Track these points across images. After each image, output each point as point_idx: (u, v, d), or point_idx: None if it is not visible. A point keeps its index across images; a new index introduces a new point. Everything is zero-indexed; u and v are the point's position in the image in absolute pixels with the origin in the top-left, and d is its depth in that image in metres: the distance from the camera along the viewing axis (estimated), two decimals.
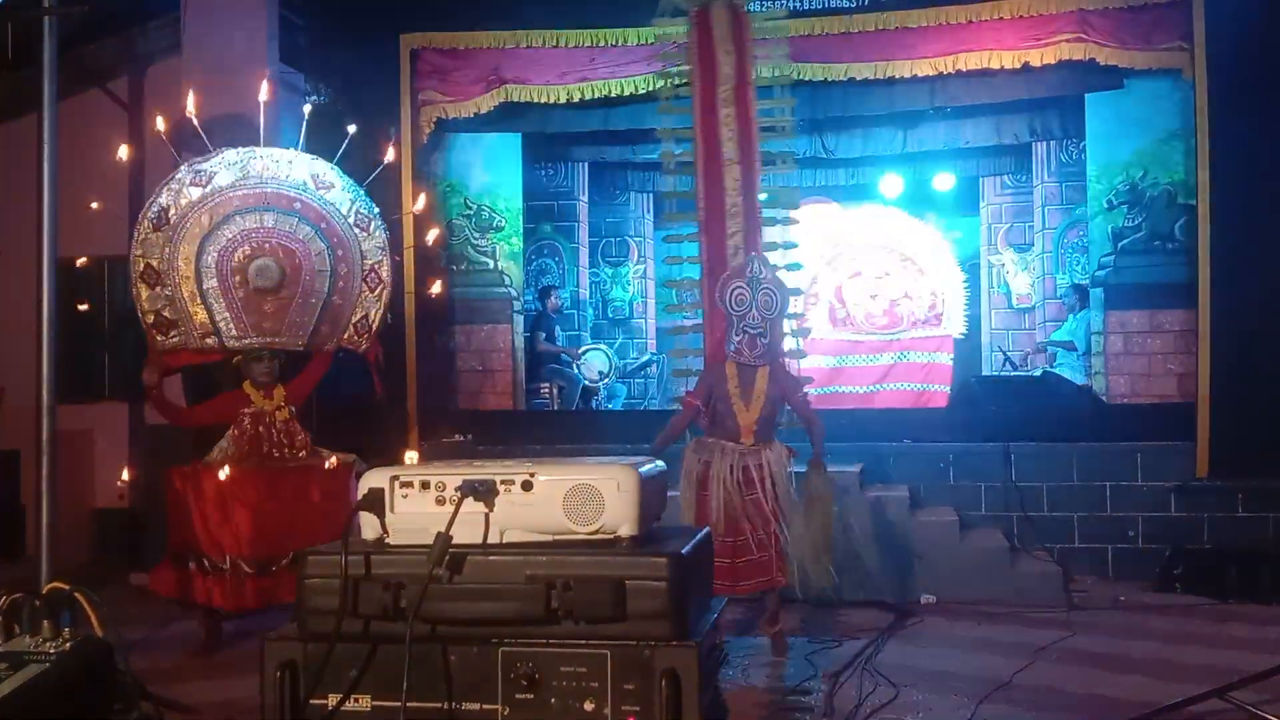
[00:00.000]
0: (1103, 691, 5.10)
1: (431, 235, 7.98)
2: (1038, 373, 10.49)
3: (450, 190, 10.47)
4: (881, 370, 11.65)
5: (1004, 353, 11.59)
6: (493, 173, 10.75)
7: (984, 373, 11.60)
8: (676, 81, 6.84)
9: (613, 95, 9.15)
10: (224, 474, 6.00)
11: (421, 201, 7.55)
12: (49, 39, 5.54)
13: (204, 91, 7.55)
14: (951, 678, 5.37)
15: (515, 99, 9.25)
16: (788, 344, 6.46)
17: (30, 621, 2.53)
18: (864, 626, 6.46)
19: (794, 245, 6.73)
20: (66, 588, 2.64)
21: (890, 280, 12.03)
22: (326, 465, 6.28)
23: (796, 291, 6.53)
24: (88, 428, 9.13)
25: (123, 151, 6.65)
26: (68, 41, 6.11)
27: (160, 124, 6.50)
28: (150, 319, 6.31)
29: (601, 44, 9.02)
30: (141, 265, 6.27)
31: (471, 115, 9.35)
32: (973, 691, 5.03)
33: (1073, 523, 8.05)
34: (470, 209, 10.61)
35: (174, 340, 6.34)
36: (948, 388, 11.25)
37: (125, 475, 6.80)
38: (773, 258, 6.46)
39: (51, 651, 2.42)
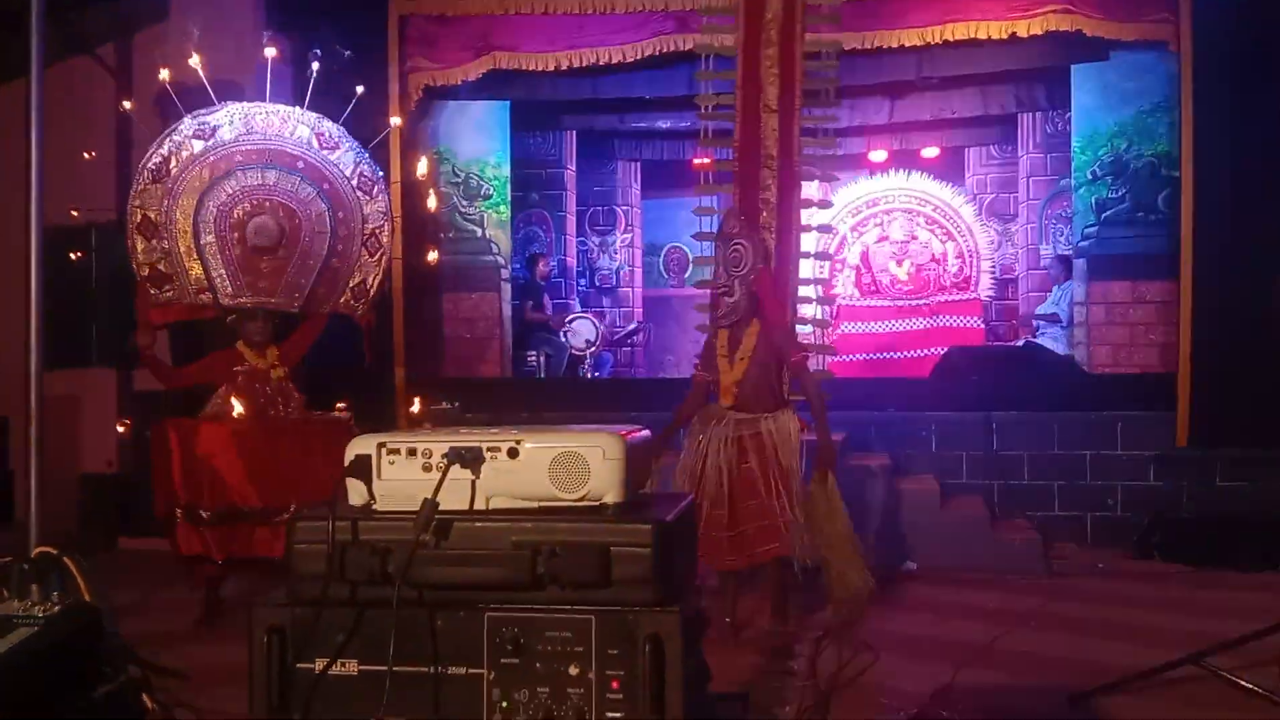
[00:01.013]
0: (1081, 656, 5.17)
1: (432, 202, 7.99)
2: (1020, 343, 10.56)
3: (438, 158, 10.45)
4: (915, 336, 11.68)
5: (987, 323, 11.66)
6: (481, 140, 10.74)
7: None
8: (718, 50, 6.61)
9: (601, 63, 9.13)
10: (238, 411, 6.00)
11: (424, 166, 7.56)
12: (36, 4, 5.50)
13: (190, 56, 7.54)
14: (932, 643, 5.43)
15: (504, 67, 9.22)
16: (810, 311, 6.40)
17: (19, 586, 2.56)
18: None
19: (829, 204, 6.58)
20: (55, 552, 2.67)
21: (917, 244, 12.06)
22: (324, 419, 6.27)
23: (824, 256, 6.40)
24: (76, 393, 9.13)
25: (126, 104, 6.75)
26: (55, 7, 6.07)
27: (165, 74, 6.48)
28: (145, 271, 6.27)
29: (590, 11, 8.97)
30: (139, 216, 6.23)
31: (459, 83, 9.32)
32: (953, 657, 5.09)
33: (1053, 491, 8.14)
34: (458, 176, 10.61)
35: (168, 294, 6.31)
36: None
37: (120, 428, 6.79)
38: (805, 216, 6.41)
39: (40, 615, 2.44)
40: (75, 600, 2.57)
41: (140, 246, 6.25)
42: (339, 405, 6.39)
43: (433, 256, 7.80)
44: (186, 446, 5.97)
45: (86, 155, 6.55)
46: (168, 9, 8.78)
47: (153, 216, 6.26)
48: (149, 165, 6.27)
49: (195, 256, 6.32)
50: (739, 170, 6.33)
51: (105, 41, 9.56)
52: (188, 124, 6.33)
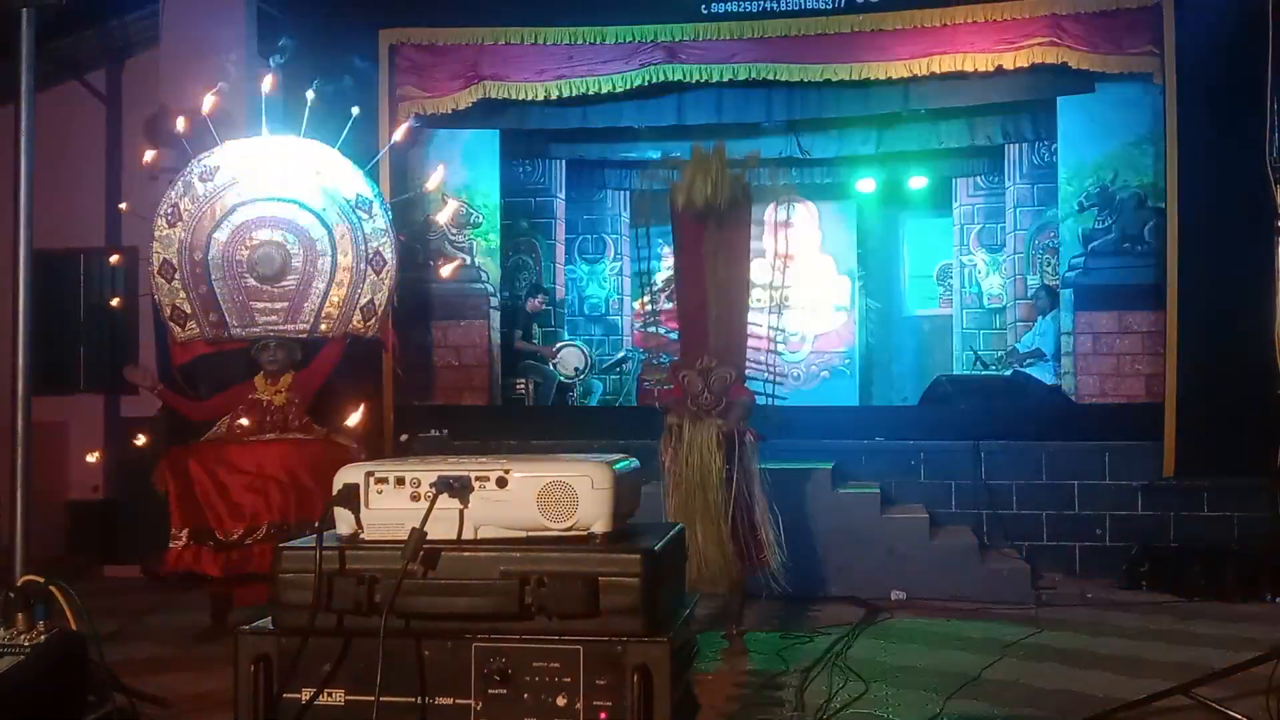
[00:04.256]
0: (1069, 687, 5.15)
1: (446, 213, 8.21)
2: (1008, 372, 10.58)
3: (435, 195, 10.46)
4: None
5: (975, 352, 11.68)
6: (470, 169, 10.74)
7: (955, 372, 11.69)
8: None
9: (590, 93, 9.17)
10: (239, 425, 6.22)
11: (440, 173, 7.87)
12: (27, 30, 5.52)
13: (181, 84, 7.64)
14: (920, 673, 5.42)
15: (493, 96, 9.24)
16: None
17: (5, 614, 2.55)
18: (835, 622, 6.51)
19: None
20: (41, 580, 2.66)
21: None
22: (323, 439, 6.42)
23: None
24: (62, 420, 9.10)
25: (149, 155, 7.11)
26: (45, 33, 6.10)
27: (181, 124, 6.83)
28: (168, 311, 6.70)
29: (579, 41, 9.03)
30: (158, 260, 6.66)
31: (449, 111, 9.33)
32: (941, 687, 5.07)
33: (1041, 520, 8.14)
34: (448, 198, 10.59)
35: (190, 331, 6.70)
36: None
37: (92, 457, 6.95)
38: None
39: (26, 644, 2.44)
40: (61, 628, 2.56)
41: (163, 288, 6.68)
42: (347, 425, 6.45)
43: (446, 271, 8.07)
44: (195, 474, 6.13)
45: (121, 208, 7.08)
46: (158, 36, 8.82)
47: (171, 259, 6.65)
48: (163, 211, 6.67)
49: (209, 293, 6.70)
50: None
51: (96, 67, 9.59)
52: (193, 167, 6.69)
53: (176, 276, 6.67)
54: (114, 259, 7.38)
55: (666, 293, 7.27)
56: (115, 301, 8.06)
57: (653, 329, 9.50)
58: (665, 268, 9.65)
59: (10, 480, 5.41)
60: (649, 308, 7.04)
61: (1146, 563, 7.65)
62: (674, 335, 8.85)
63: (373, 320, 6.80)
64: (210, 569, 6.03)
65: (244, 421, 6.33)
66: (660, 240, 7.22)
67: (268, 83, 7.07)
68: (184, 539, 6.06)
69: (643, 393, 11.19)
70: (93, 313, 9.53)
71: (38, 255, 5.14)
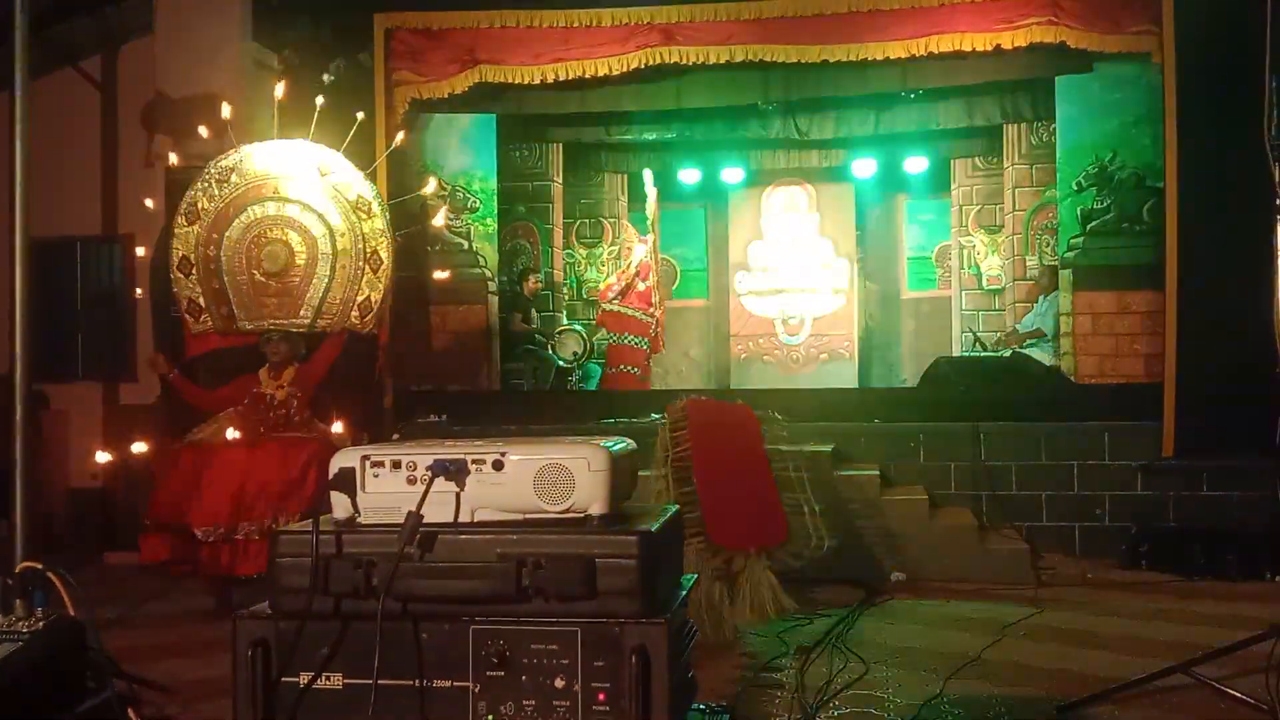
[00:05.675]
0: (1070, 666, 5.16)
1: (440, 217, 8.41)
2: (1007, 353, 10.57)
3: (425, 171, 10.44)
4: None
5: (974, 333, 11.67)
6: (468, 154, 10.73)
7: (954, 353, 11.68)
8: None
9: (587, 76, 9.15)
10: (231, 435, 6.45)
11: (432, 184, 8.26)
12: (21, 17, 5.50)
13: (177, 69, 7.69)
14: (920, 654, 5.43)
15: (490, 80, 9.23)
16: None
17: (3, 601, 2.55)
18: (834, 604, 6.51)
19: None
20: (39, 567, 2.66)
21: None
22: (320, 437, 6.57)
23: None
24: (62, 407, 9.11)
25: (172, 158, 7.63)
26: (40, 20, 6.11)
27: (204, 132, 7.33)
28: (184, 305, 7.12)
29: (576, 25, 9.01)
30: (177, 256, 7.07)
31: (446, 96, 9.32)
32: (941, 667, 5.08)
33: (1041, 501, 8.14)
34: (445, 190, 10.58)
35: (204, 324, 7.10)
36: None
37: (100, 457, 7.10)
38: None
39: (25, 630, 2.43)
40: (60, 615, 2.55)
41: (180, 282, 7.08)
42: (335, 429, 6.61)
43: (440, 275, 8.28)
44: (184, 468, 6.32)
45: (148, 204, 7.60)
46: (153, 22, 8.79)
47: (189, 255, 7.05)
48: (182, 209, 7.08)
49: (221, 288, 7.09)
50: None
51: (91, 54, 9.57)
52: (210, 169, 7.09)
53: (193, 272, 7.06)
54: (140, 252, 7.99)
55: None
56: (139, 292, 8.48)
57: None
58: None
59: (10, 468, 5.42)
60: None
61: (1146, 542, 7.65)
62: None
63: (369, 316, 7.14)
64: (176, 557, 6.25)
65: (235, 433, 6.50)
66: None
67: (279, 89, 7.51)
68: (152, 528, 6.24)
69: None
70: (90, 300, 9.53)
71: (34, 243, 5.13)
